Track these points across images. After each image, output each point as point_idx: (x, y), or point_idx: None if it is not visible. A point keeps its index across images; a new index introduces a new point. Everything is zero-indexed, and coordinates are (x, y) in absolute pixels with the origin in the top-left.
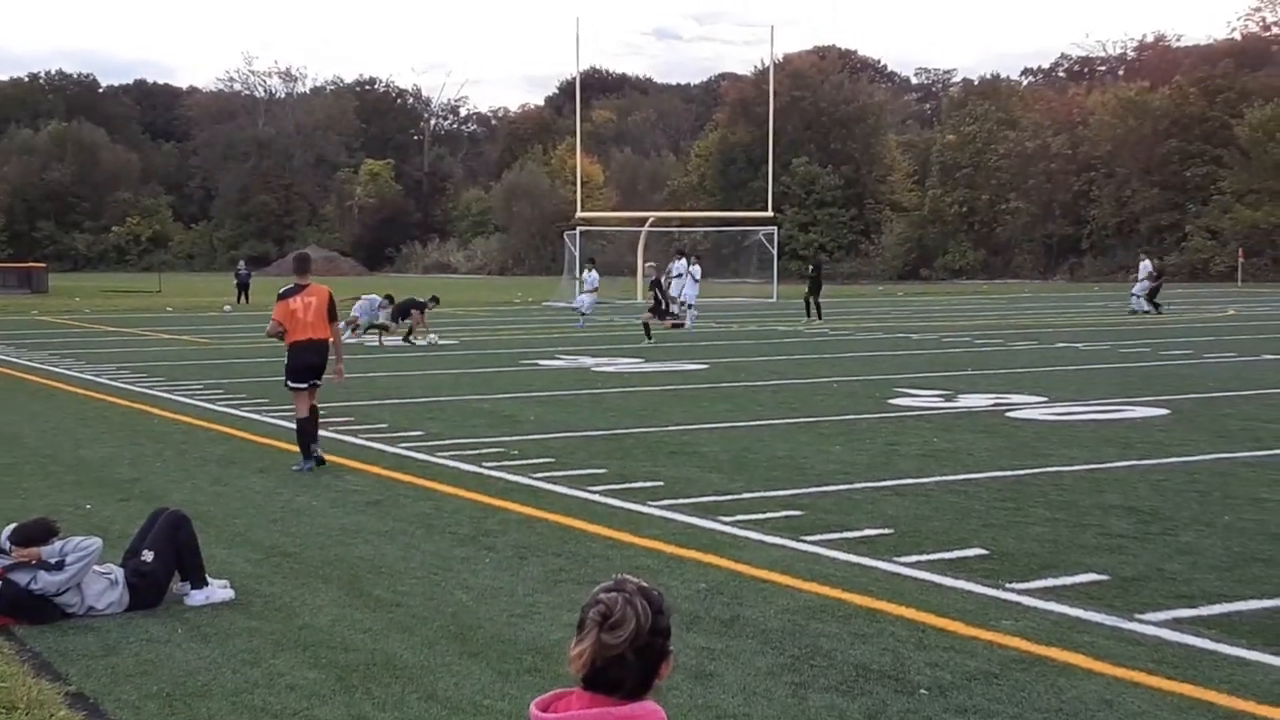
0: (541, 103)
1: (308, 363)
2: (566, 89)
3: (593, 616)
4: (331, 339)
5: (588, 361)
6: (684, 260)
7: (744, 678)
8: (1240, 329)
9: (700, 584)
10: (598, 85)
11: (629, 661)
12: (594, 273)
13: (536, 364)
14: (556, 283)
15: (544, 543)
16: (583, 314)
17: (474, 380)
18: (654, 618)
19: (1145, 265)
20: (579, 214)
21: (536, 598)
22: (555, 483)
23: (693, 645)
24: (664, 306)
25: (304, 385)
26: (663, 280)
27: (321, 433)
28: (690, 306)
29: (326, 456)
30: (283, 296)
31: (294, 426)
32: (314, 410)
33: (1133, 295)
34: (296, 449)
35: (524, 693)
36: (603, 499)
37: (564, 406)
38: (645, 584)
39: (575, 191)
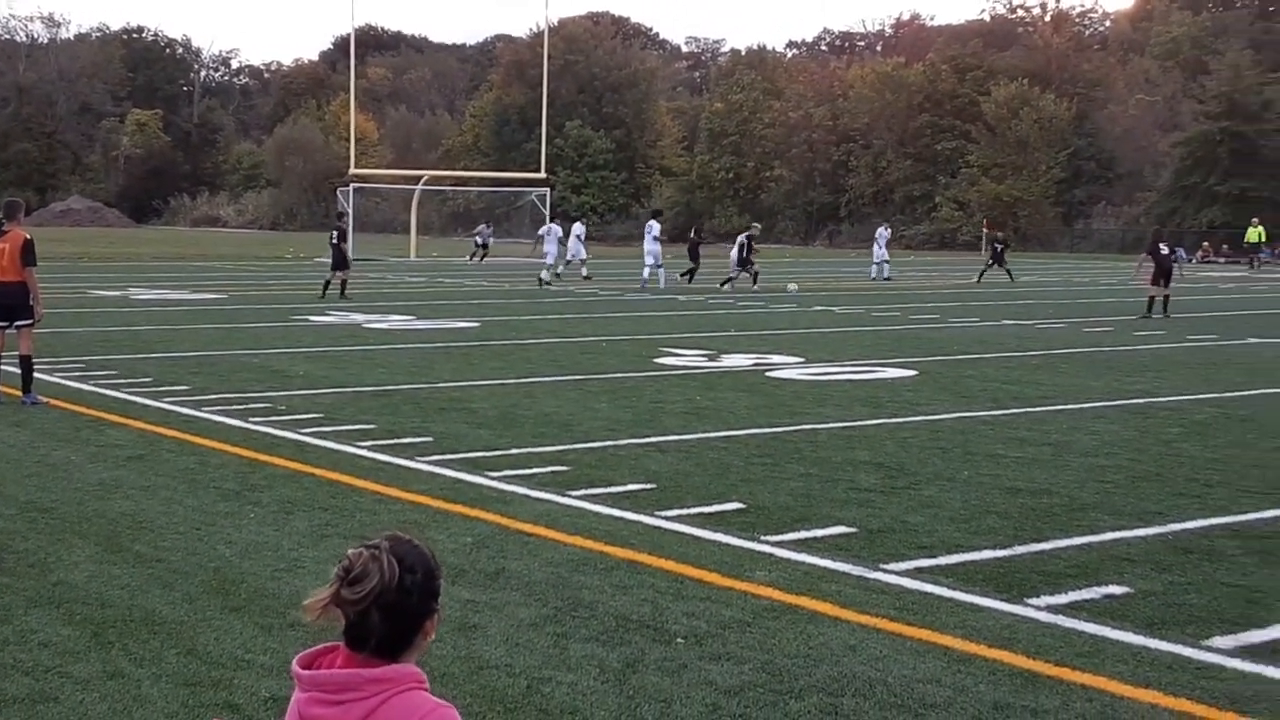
0: (316, 58)
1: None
2: (341, 45)
3: (336, 571)
4: (27, 282)
5: (359, 318)
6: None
7: (507, 629)
8: (983, 295)
9: (466, 538)
10: (373, 42)
11: (373, 619)
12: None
13: (308, 320)
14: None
15: (310, 497)
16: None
17: (243, 335)
18: (402, 576)
19: (884, 233)
20: (353, 170)
21: (301, 552)
22: (323, 438)
23: (457, 598)
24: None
25: None
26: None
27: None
28: (568, 262)
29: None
30: None
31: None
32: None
33: (885, 263)
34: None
35: (286, 646)
36: (371, 454)
37: (334, 362)
38: (415, 543)
39: (349, 148)
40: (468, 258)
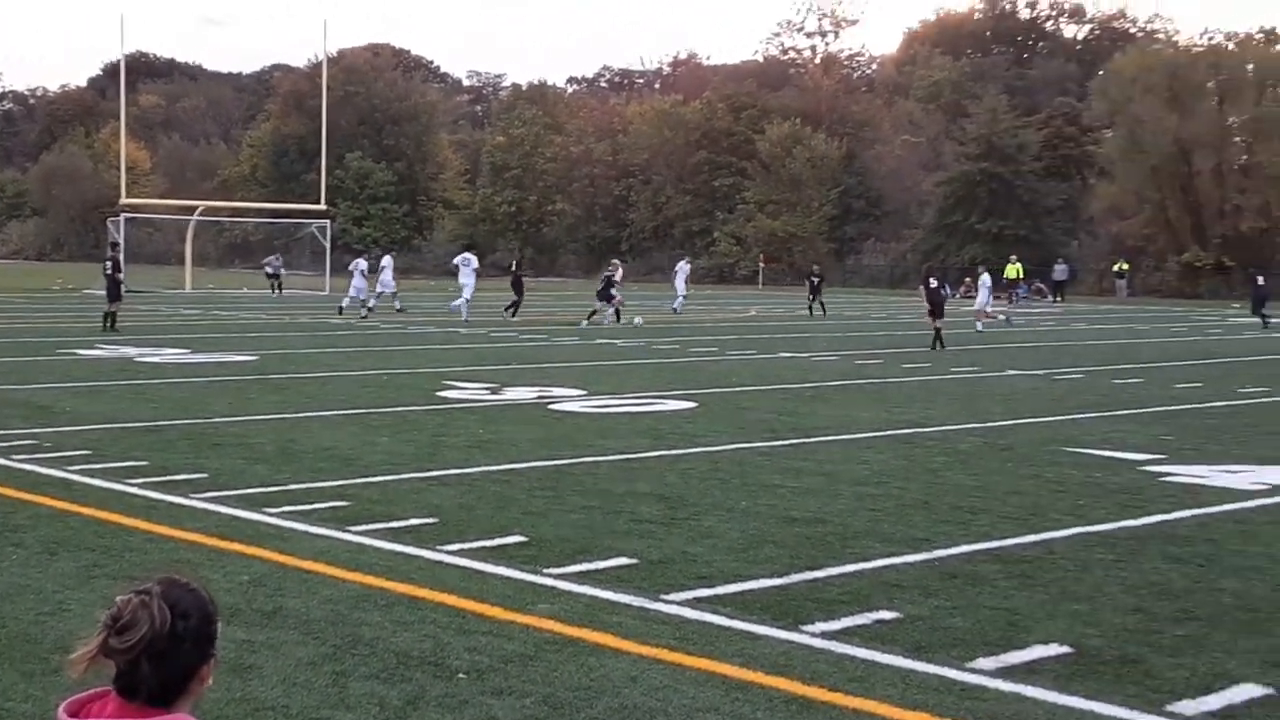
0: (84, 84)
1: None
2: (111, 71)
3: (104, 619)
4: None
5: (130, 351)
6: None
7: (284, 668)
8: (760, 329)
9: (243, 576)
10: (145, 69)
11: (144, 669)
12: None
13: (76, 353)
14: (100, 270)
15: (77, 537)
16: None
17: (5, 370)
18: (174, 622)
19: (684, 267)
20: (124, 200)
21: (67, 594)
22: (92, 476)
23: (233, 638)
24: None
25: None
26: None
27: None
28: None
29: None
30: None
31: None
32: None
33: (682, 297)
34: None
35: (49, 694)
36: (142, 491)
37: (104, 397)
38: (191, 586)
39: (120, 177)
40: (271, 292)
